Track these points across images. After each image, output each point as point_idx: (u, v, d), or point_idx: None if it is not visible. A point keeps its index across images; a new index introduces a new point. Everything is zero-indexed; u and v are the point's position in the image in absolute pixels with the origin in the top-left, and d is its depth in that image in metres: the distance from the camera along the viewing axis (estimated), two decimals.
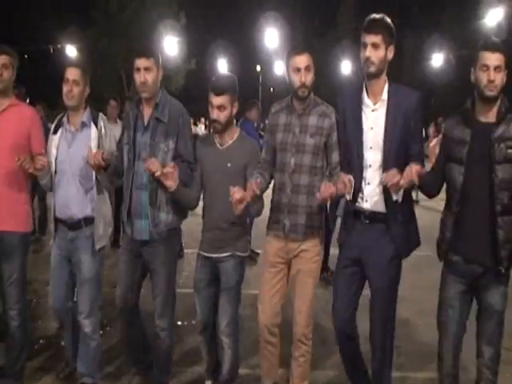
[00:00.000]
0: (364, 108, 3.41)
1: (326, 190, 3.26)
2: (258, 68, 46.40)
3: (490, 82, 3.10)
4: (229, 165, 3.71)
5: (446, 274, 3.36)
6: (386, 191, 3.30)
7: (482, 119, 3.21)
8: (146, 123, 3.81)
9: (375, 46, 3.26)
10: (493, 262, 3.17)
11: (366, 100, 3.41)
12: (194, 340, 4.52)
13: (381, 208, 3.39)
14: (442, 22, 38.17)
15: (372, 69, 3.28)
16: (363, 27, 3.32)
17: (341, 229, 3.66)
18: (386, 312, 3.48)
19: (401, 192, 3.25)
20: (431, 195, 3.52)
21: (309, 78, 3.56)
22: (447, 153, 3.30)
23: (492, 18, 21.17)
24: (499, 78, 3.12)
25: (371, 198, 3.41)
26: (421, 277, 6.07)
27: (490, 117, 3.19)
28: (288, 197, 3.65)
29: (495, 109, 3.18)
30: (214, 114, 3.68)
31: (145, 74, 3.71)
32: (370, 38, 3.26)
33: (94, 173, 3.85)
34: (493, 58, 3.11)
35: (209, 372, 4.13)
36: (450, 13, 38.30)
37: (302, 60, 3.54)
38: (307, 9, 43.24)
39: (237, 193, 3.35)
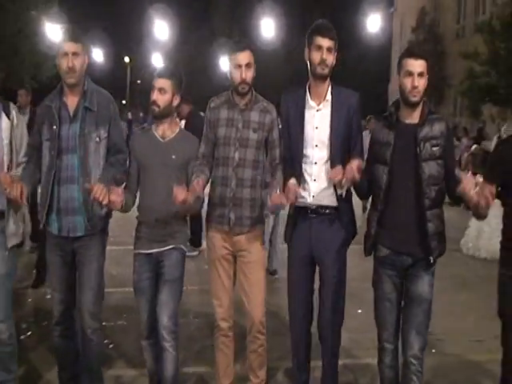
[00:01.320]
0: (308, 109, 3.64)
1: (276, 199, 3.38)
2: (127, 59, 45.21)
3: (414, 87, 3.32)
4: (173, 157, 3.69)
5: (379, 270, 3.56)
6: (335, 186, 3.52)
7: (406, 121, 3.44)
8: (72, 114, 3.64)
9: (330, 50, 3.54)
10: (423, 253, 3.40)
11: (310, 101, 3.64)
12: (124, 342, 4.43)
13: (327, 202, 3.63)
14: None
15: (326, 71, 3.55)
16: (317, 30, 3.55)
17: (287, 227, 3.81)
18: (337, 299, 3.72)
19: (345, 187, 3.47)
20: (362, 195, 3.74)
21: (249, 75, 3.68)
22: (374, 155, 3.52)
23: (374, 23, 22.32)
24: (422, 84, 3.34)
25: (318, 193, 3.62)
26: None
27: (414, 118, 3.42)
28: (232, 191, 3.71)
29: (418, 110, 3.42)
30: (154, 95, 3.67)
31: (72, 59, 3.58)
32: (326, 42, 3.52)
33: (4, 166, 3.60)
34: (416, 65, 3.34)
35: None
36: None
37: (244, 57, 3.66)
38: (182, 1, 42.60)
39: (180, 194, 3.33)
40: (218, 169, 3.76)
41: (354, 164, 3.25)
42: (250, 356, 3.95)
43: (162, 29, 25.27)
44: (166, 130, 3.76)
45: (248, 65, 3.65)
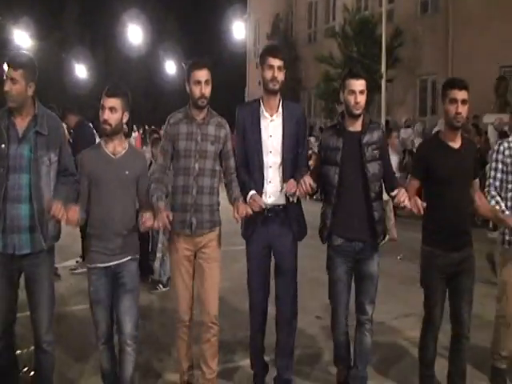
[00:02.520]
0: (262, 119, 4.15)
1: (242, 211, 3.88)
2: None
3: (357, 103, 3.99)
4: (127, 172, 3.88)
5: (334, 256, 4.17)
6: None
7: (351, 129, 4.09)
8: (20, 135, 3.70)
9: (280, 68, 4.05)
10: (371, 237, 4.10)
11: (265, 113, 4.15)
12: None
13: (281, 201, 4.14)
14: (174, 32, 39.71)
15: (277, 87, 4.07)
16: (268, 51, 4.10)
17: (246, 225, 4.21)
18: (293, 285, 4.23)
19: (296, 196, 4.02)
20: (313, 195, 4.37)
21: (208, 90, 4.02)
22: (325, 158, 4.12)
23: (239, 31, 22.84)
24: (363, 100, 4.02)
25: (273, 194, 4.14)
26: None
27: (357, 127, 4.09)
28: (194, 198, 4.06)
29: (360, 120, 4.10)
30: (105, 114, 3.81)
31: (10, 84, 3.66)
32: (277, 62, 4.04)
33: None
34: (358, 84, 4.01)
35: None
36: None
37: (203, 74, 4.02)
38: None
39: (148, 221, 3.74)
40: (179, 178, 4.09)
41: (307, 181, 3.87)
42: (203, 347, 4.23)
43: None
44: (117, 147, 3.93)
45: (207, 81, 4.04)
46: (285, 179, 4.08)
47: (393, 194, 3.87)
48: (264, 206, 3.99)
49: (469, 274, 4.09)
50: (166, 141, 4.16)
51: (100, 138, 4.51)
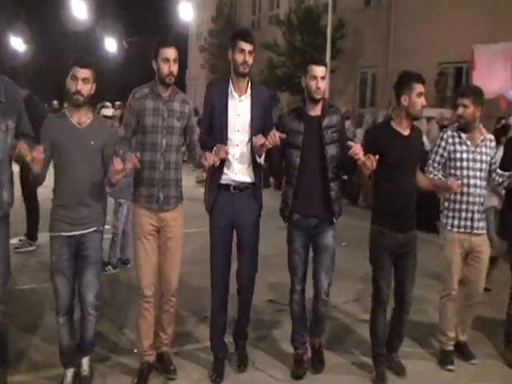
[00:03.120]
0: (231, 99, 4.30)
1: (210, 158, 4.02)
2: None
3: (318, 88, 4.24)
4: (92, 143, 3.91)
5: (292, 230, 4.49)
6: (254, 164, 4.25)
7: (312, 113, 4.34)
8: None
9: (250, 52, 4.23)
10: (327, 214, 4.40)
11: (234, 93, 4.30)
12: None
13: (247, 179, 4.35)
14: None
15: (247, 70, 4.23)
16: (240, 35, 4.21)
17: (210, 200, 4.35)
18: (254, 258, 4.44)
19: (263, 157, 4.18)
20: (275, 170, 4.58)
21: (175, 68, 4.09)
22: (286, 141, 4.27)
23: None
24: (323, 85, 4.29)
25: (240, 171, 4.32)
26: None
27: (317, 111, 4.34)
28: (161, 173, 4.16)
29: (320, 105, 4.34)
30: (78, 85, 3.83)
31: None
32: (248, 46, 4.20)
33: None
34: (319, 70, 4.26)
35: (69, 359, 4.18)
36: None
37: (172, 52, 4.08)
38: None
39: (118, 164, 3.70)
40: (146, 154, 4.14)
41: (276, 132, 4.08)
42: (161, 316, 4.39)
43: None
44: (82, 117, 3.95)
45: (175, 59, 4.09)
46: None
47: (350, 143, 4.06)
48: (230, 152, 4.15)
49: (412, 255, 4.48)
50: (130, 114, 4.20)
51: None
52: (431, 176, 4.73)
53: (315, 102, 4.30)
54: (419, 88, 4.25)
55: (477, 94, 4.70)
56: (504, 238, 5.18)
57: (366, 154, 4.05)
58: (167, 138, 4.15)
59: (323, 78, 4.26)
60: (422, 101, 4.26)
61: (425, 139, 7.28)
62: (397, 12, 18.21)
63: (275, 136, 4.04)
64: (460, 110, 4.64)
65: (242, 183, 4.34)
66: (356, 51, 18.96)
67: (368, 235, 4.55)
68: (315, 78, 4.24)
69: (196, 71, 30.90)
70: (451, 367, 4.72)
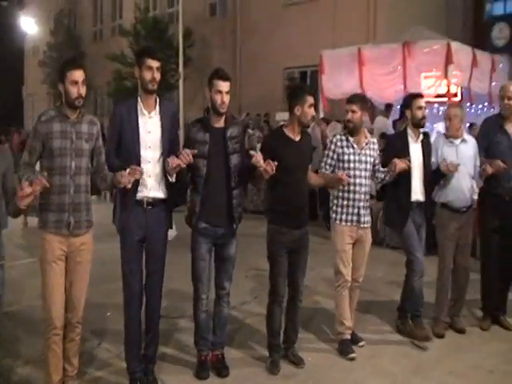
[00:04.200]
0: (141, 116, 4.30)
1: (125, 179, 3.97)
2: None
3: (223, 102, 4.39)
4: None
5: (197, 237, 4.54)
6: (166, 180, 4.30)
7: (216, 125, 4.48)
8: None
9: (158, 69, 4.23)
10: (230, 223, 4.54)
11: (143, 110, 4.31)
12: None
13: (160, 195, 4.34)
14: None
15: (155, 87, 4.24)
16: (146, 52, 4.32)
17: (122, 217, 4.34)
18: (162, 271, 4.46)
19: (174, 175, 4.23)
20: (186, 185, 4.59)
21: (84, 90, 4.01)
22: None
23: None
24: (228, 99, 4.42)
25: (153, 187, 4.31)
26: None
27: (221, 123, 4.49)
28: (71, 197, 4.04)
29: (223, 117, 4.49)
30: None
31: None
32: (155, 63, 4.21)
33: None
34: (224, 86, 4.40)
35: None
36: None
37: (80, 74, 3.99)
38: None
39: (27, 188, 3.63)
40: (55, 178, 3.99)
41: (188, 150, 4.17)
42: (66, 346, 4.20)
43: None
44: None
45: (83, 81, 4.01)
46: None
47: (252, 152, 4.28)
48: (144, 170, 4.11)
49: (305, 249, 4.80)
50: (35, 139, 4.06)
51: None
52: (317, 176, 5.08)
53: (220, 114, 4.44)
54: (310, 100, 4.62)
55: (362, 100, 5.16)
56: (385, 223, 5.67)
57: (264, 159, 4.26)
58: (76, 161, 4.05)
59: (227, 92, 4.39)
60: (311, 111, 4.64)
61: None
62: (242, 21, 18.86)
63: (188, 155, 4.14)
64: (349, 115, 4.98)
65: (155, 199, 4.33)
66: (204, 59, 19.27)
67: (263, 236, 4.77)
68: (220, 92, 4.37)
69: (34, 87, 29.57)
70: (353, 355, 4.93)
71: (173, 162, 4.11)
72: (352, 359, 4.90)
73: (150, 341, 4.49)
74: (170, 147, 4.33)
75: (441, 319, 5.51)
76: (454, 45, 10.19)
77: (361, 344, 5.17)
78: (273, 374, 4.62)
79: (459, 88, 10.70)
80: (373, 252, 5.32)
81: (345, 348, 5.02)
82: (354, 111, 4.98)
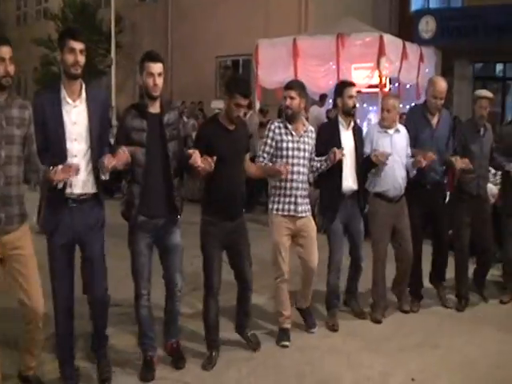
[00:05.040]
0: (65, 105, 3.90)
1: (58, 176, 3.66)
2: None
3: (155, 85, 4.12)
4: None
5: (137, 232, 4.27)
6: (95, 174, 3.98)
7: (152, 111, 4.22)
8: None
9: (82, 52, 3.86)
10: (171, 213, 4.34)
11: (67, 98, 3.91)
12: None
13: (88, 190, 3.99)
14: None
15: (79, 71, 3.86)
16: (69, 34, 3.88)
17: (46, 216, 4.03)
18: (103, 272, 4.18)
19: (108, 174, 3.92)
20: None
21: (12, 68, 3.65)
22: (131, 140, 4.12)
23: None
24: (161, 82, 4.15)
25: (80, 183, 3.94)
26: None
27: (157, 108, 4.23)
28: (1, 189, 3.65)
29: (158, 102, 4.23)
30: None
31: None
32: (79, 45, 3.84)
33: None
34: (156, 67, 4.12)
35: None
36: None
37: (6, 51, 3.62)
38: None
39: None
40: None
41: (125, 148, 3.90)
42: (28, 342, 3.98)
43: None
44: None
45: (10, 59, 3.64)
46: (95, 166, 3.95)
47: (189, 151, 4.14)
48: (78, 167, 3.73)
49: (244, 239, 4.70)
50: None
51: None
52: (261, 164, 4.94)
53: (154, 98, 4.17)
54: (239, 97, 4.40)
55: (301, 86, 5.00)
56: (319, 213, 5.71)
57: (198, 148, 4.19)
58: (6, 149, 3.64)
59: (160, 74, 4.11)
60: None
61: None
62: (173, 7, 18.71)
63: (125, 152, 3.86)
64: (288, 102, 4.86)
65: (83, 195, 3.96)
66: (134, 46, 18.99)
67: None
68: (152, 75, 4.08)
69: None
70: (286, 343, 4.93)
71: (108, 162, 3.79)
72: (284, 346, 4.91)
73: (99, 337, 4.33)
74: (100, 139, 4.00)
75: (379, 305, 5.61)
76: (386, 37, 10.56)
77: (312, 331, 5.24)
78: (205, 370, 4.47)
79: (388, 79, 11.08)
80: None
81: (281, 335, 5.01)
82: (292, 97, 4.86)
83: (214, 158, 4.09)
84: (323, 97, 11.99)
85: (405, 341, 5.18)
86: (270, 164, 4.91)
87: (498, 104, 15.29)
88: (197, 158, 4.07)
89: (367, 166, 5.39)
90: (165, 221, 4.31)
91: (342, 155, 5.06)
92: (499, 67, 17.28)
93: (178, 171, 4.33)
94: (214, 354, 4.58)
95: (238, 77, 4.88)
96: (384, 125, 5.52)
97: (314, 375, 4.53)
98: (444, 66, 14.06)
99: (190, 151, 4.13)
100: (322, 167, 5.14)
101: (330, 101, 12.32)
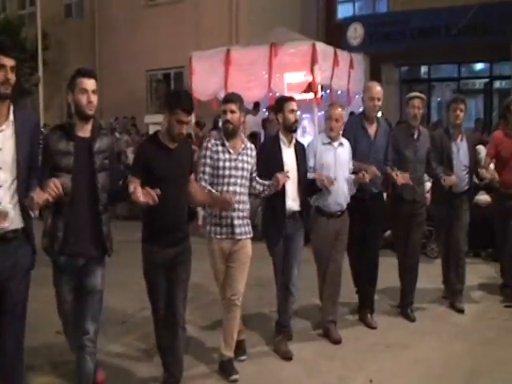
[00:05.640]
0: None
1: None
2: None
3: (90, 102, 3.67)
4: None
5: (60, 273, 3.86)
6: (23, 206, 3.48)
7: (81, 134, 3.75)
8: None
9: (12, 69, 3.41)
10: (98, 253, 3.85)
11: None
12: None
13: (15, 225, 3.47)
14: None
15: (9, 90, 3.41)
16: (1, 49, 3.38)
17: None
18: (22, 325, 3.64)
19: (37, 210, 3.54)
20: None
21: None
22: (54, 164, 3.69)
23: None
24: (96, 100, 3.71)
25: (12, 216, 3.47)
26: None
27: (87, 132, 3.77)
28: None
29: (90, 125, 3.77)
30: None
31: None
32: (9, 61, 3.38)
33: None
34: (90, 84, 3.70)
35: None
36: None
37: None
38: None
39: None
40: None
41: (56, 180, 3.40)
42: None
43: None
44: None
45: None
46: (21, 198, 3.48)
47: (130, 187, 3.68)
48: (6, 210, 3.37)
49: (184, 267, 4.27)
50: None
51: None
52: (206, 188, 4.57)
53: (86, 119, 3.72)
54: (181, 113, 4.04)
55: (240, 99, 4.70)
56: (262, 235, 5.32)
57: (137, 170, 3.98)
58: None
59: (94, 92, 3.70)
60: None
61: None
62: (100, 22, 18.40)
63: (56, 185, 3.37)
64: (228, 116, 4.57)
65: (8, 232, 3.46)
66: (60, 63, 18.53)
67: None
68: (86, 91, 3.66)
69: None
70: (236, 377, 4.56)
71: (38, 198, 3.33)
72: (235, 381, 4.52)
73: None
74: (28, 168, 3.56)
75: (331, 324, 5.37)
76: (319, 45, 10.68)
77: (241, 358, 4.85)
78: None
79: (320, 86, 11.20)
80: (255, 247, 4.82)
81: (228, 368, 4.62)
82: (233, 111, 4.59)
83: (158, 190, 3.66)
84: (257, 105, 12.03)
85: (358, 343, 5.26)
86: (213, 190, 4.56)
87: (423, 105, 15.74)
88: (138, 194, 3.63)
89: (312, 189, 5.18)
90: (87, 260, 3.82)
91: (287, 178, 4.79)
92: (424, 69, 17.85)
93: (107, 207, 3.87)
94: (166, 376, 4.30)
95: (180, 91, 4.47)
96: (331, 135, 5.30)
97: None
98: (372, 72, 14.40)
99: (131, 187, 3.65)
100: (265, 192, 4.89)
101: (264, 109, 12.59)
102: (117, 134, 14.30)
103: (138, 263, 4.27)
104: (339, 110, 5.32)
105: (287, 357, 4.92)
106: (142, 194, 3.63)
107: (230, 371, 4.58)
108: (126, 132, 14.95)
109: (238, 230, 4.63)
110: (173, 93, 4.26)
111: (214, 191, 4.53)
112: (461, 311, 6.07)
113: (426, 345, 5.23)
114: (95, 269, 3.85)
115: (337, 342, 5.26)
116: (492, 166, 6.50)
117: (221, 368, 4.66)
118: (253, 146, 4.85)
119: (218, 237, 4.63)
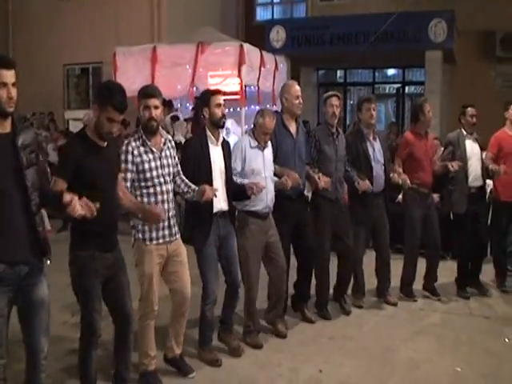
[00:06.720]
0: None
1: None
2: None
3: (10, 98, 3.22)
4: None
5: None
6: None
7: (0, 130, 3.30)
8: None
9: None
10: (38, 258, 3.43)
11: None
12: None
13: None
14: None
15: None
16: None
17: None
18: None
19: None
20: None
21: None
22: None
23: None
24: (15, 93, 3.26)
25: None
26: None
27: (6, 128, 3.32)
28: None
29: (9, 120, 3.32)
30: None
31: None
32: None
33: None
34: (9, 76, 3.23)
35: None
36: None
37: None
38: None
39: None
40: None
41: None
42: None
43: None
44: None
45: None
46: None
47: (66, 198, 3.35)
48: None
49: (124, 272, 4.05)
50: None
51: None
52: (131, 200, 4.25)
53: (5, 115, 3.28)
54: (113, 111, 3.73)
55: (160, 93, 4.41)
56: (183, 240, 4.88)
57: (66, 171, 3.69)
58: None
59: (14, 84, 3.26)
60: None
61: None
62: (14, 17, 17.65)
63: None
64: (152, 112, 4.25)
65: None
66: None
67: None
68: (5, 85, 3.21)
69: None
70: (193, 375, 4.61)
71: None
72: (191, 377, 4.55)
73: None
74: None
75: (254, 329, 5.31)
76: (246, 46, 10.85)
77: (190, 376, 4.65)
78: None
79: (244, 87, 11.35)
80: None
81: (152, 380, 4.45)
82: (156, 107, 4.28)
83: (98, 204, 3.37)
84: (169, 103, 11.95)
85: (302, 336, 5.47)
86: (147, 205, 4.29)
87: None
88: (76, 206, 3.30)
89: (241, 196, 4.96)
90: (29, 268, 3.38)
91: (214, 195, 4.55)
92: (340, 73, 18.44)
93: (40, 206, 3.46)
94: None
95: (112, 86, 3.91)
96: (261, 143, 5.20)
97: (231, 380, 4.64)
98: (292, 74, 14.76)
99: (67, 197, 3.30)
100: (188, 195, 4.65)
101: (179, 105, 12.74)
102: (36, 130, 13.75)
103: None
104: (272, 115, 5.24)
105: (238, 354, 5.02)
106: (79, 206, 3.31)
107: (186, 369, 4.64)
108: (44, 128, 14.47)
109: (174, 230, 4.48)
110: (104, 87, 3.86)
111: (143, 204, 4.29)
112: (394, 304, 6.41)
113: (366, 335, 5.51)
114: (39, 279, 3.44)
115: (283, 335, 5.43)
116: (400, 168, 6.47)
117: (175, 366, 4.69)
118: (169, 137, 4.60)
119: (155, 242, 4.37)
